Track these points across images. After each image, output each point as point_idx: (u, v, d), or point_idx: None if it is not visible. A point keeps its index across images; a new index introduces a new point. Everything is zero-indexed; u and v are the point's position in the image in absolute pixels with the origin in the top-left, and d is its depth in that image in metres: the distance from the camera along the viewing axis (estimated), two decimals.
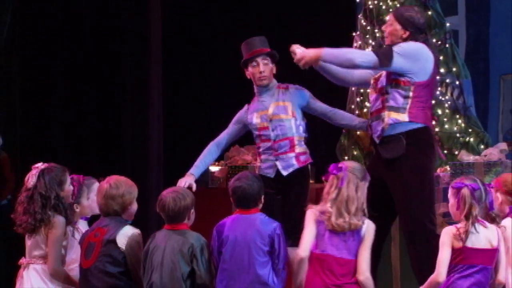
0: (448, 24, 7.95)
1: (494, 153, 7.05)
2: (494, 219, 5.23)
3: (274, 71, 6.35)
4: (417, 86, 5.80)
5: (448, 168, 7.13)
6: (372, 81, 6.12)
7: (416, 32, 5.93)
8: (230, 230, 5.24)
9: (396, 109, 5.80)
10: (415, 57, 5.81)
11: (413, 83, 5.79)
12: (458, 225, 5.08)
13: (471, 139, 7.61)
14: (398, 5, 7.88)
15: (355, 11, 8.46)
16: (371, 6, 7.98)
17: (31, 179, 5.42)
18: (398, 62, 5.76)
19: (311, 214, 5.18)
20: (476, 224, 5.05)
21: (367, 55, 5.84)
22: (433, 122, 7.65)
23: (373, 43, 7.73)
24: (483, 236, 5.07)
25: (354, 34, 8.07)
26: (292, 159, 6.09)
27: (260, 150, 6.24)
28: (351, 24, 8.27)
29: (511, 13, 9.11)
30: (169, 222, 5.23)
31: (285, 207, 6.07)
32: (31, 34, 9.51)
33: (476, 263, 5.05)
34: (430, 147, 5.85)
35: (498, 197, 5.33)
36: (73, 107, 9.52)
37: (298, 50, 5.96)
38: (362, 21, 8.02)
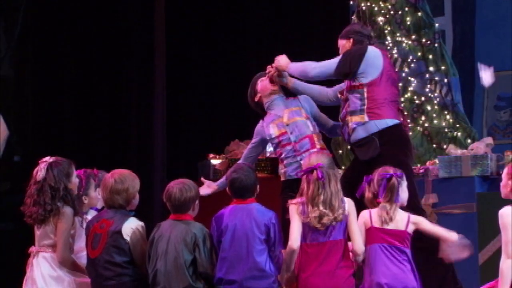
0: (437, 25, 7.93)
1: (480, 147, 7.05)
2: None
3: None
4: (370, 86, 5.76)
5: (437, 161, 7.11)
6: (339, 95, 6.11)
7: (359, 37, 5.97)
8: (229, 220, 5.17)
9: (355, 112, 5.80)
10: (357, 58, 5.81)
11: (366, 83, 5.74)
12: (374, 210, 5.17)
13: (459, 134, 7.61)
14: (389, 7, 7.86)
15: (348, 12, 8.41)
16: (363, 8, 7.98)
17: (40, 172, 5.37)
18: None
19: (294, 208, 5.13)
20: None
21: (323, 67, 5.90)
22: (423, 118, 7.65)
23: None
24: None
25: None
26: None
27: (283, 156, 6.17)
28: (345, 25, 8.19)
29: (495, 13, 9.07)
30: (175, 212, 5.19)
31: None
32: (43, 39, 9.52)
33: (384, 242, 5.06)
34: (404, 142, 5.81)
35: (509, 184, 5.15)
36: (82, 107, 9.50)
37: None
38: (356, 21, 7.98)
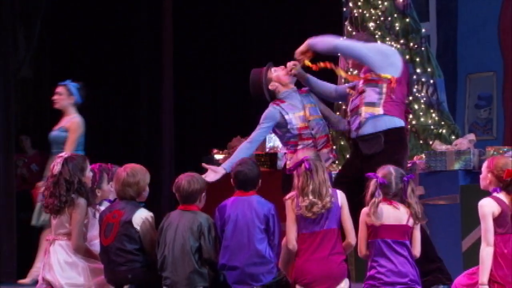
0: (423, 30, 7.93)
1: (463, 143, 7.04)
2: (409, 206, 5.00)
3: None
4: (389, 83, 5.70)
5: (424, 156, 7.12)
6: (348, 90, 6.01)
7: (367, 40, 5.89)
8: (231, 211, 5.13)
9: (372, 104, 5.69)
10: (384, 53, 5.76)
11: (386, 80, 5.69)
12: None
13: (444, 131, 7.64)
14: (379, 13, 7.86)
15: (342, 18, 8.39)
16: (356, 14, 7.99)
17: (56, 166, 5.37)
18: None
19: (289, 204, 5.08)
20: (386, 206, 4.95)
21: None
22: (410, 116, 7.64)
23: None
24: (392, 215, 4.95)
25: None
26: (329, 153, 5.91)
27: (299, 147, 5.82)
28: (338, 30, 8.15)
29: (476, 19, 9.09)
30: (183, 202, 5.16)
31: None
32: (60, 44, 9.54)
33: (387, 237, 4.94)
34: (404, 146, 5.76)
35: (488, 177, 5.08)
36: (95, 107, 9.44)
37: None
38: (349, 27, 8.02)
